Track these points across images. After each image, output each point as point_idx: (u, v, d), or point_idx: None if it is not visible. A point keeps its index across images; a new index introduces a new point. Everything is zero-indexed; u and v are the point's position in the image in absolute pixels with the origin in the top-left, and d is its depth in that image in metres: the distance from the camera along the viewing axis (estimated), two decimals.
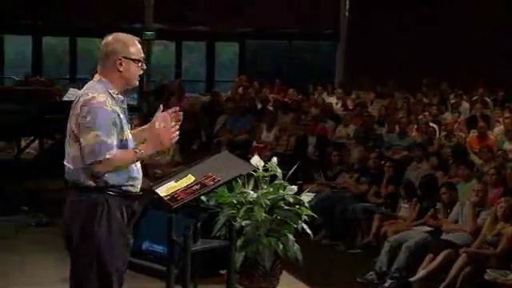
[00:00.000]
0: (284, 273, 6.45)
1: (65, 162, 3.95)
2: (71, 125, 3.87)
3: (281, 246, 6.10)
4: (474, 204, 7.55)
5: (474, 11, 18.81)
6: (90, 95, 3.83)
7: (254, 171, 6.04)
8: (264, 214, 6.04)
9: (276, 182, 6.25)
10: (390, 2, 19.11)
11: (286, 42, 21.68)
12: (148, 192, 4.30)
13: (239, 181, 6.09)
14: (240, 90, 16.78)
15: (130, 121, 4.03)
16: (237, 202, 6.17)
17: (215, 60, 21.70)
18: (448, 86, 16.37)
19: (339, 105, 15.28)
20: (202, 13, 19.53)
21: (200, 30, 20.13)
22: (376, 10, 19.08)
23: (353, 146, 11.08)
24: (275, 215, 6.15)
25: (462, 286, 6.82)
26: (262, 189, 6.19)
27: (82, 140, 3.80)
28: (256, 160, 6.19)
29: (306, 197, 6.27)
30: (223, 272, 6.04)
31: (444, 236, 7.58)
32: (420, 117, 12.50)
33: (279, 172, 6.28)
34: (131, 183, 3.93)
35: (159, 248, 6.65)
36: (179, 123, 3.99)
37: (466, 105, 14.45)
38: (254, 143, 12.29)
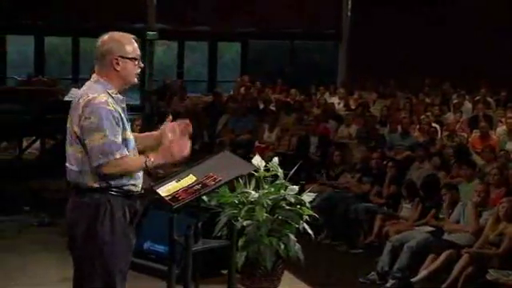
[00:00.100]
0: (285, 273, 6.46)
1: (66, 164, 3.94)
2: (72, 126, 3.85)
3: (282, 246, 6.11)
4: (476, 204, 7.54)
5: (477, 11, 18.79)
6: (91, 96, 3.82)
7: (256, 171, 6.05)
8: (265, 214, 6.05)
9: (277, 181, 6.25)
10: (392, 2, 19.09)
11: (289, 41, 21.66)
12: (150, 192, 4.30)
13: (241, 181, 6.10)
14: (242, 90, 16.78)
15: (130, 120, 4.03)
16: (238, 201, 6.18)
17: (217, 60, 21.68)
18: (450, 86, 16.36)
19: (341, 105, 15.27)
20: (205, 13, 19.53)
21: (202, 30, 20.13)
22: (378, 9, 19.07)
23: (355, 146, 11.08)
24: (276, 215, 6.15)
25: (463, 287, 6.80)
26: (264, 189, 6.20)
27: (87, 142, 3.78)
28: (257, 160, 6.19)
29: (308, 197, 6.28)
30: (224, 272, 6.04)
31: (446, 236, 7.57)
32: (422, 117, 12.49)
33: (280, 172, 6.28)
34: (133, 183, 3.92)
35: (160, 248, 6.65)
36: (189, 136, 4.01)
37: (468, 105, 14.44)
38: (256, 143, 12.29)
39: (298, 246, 6.19)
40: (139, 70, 4.01)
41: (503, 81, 15.94)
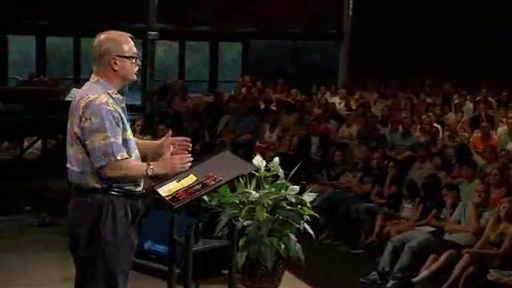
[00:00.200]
0: (286, 273, 6.45)
1: (67, 165, 3.94)
2: (73, 127, 3.85)
3: (283, 246, 6.11)
4: (477, 204, 7.54)
5: (478, 11, 18.79)
6: (92, 97, 3.81)
7: (256, 171, 6.05)
8: (266, 214, 6.05)
9: (278, 182, 6.25)
10: (394, 2, 19.09)
11: (290, 41, 21.67)
12: (151, 191, 4.31)
13: (241, 181, 6.10)
14: (243, 90, 16.78)
15: (130, 120, 4.04)
16: (239, 201, 6.18)
17: (218, 60, 21.69)
18: (451, 87, 16.35)
19: (342, 105, 15.28)
20: (206, 13, 19.54)
21: (203, 30, 20.14)
22: (379, 9, 19.07)
23: (356, 146, 11.07)
24: (277, 215, 6.16)
25: (464, 287, 6.80)
26: (264, 189, 6.20)
27: (88, 143, 3.78)
28: (258, 160, 6.19)
29: (308, 197, 6.28)
30: (225, 272, 6.04)
31: (447, 236, 7.57)
32: (423, 117, 12.48)
33: (281, 172, 6.28)
34: (134, 182, 3.93)
35: (161, 248, 6.65)
36: (188, 151, 4.08)
37: (469, 105, 14.44)
38: (257, 143, 12.29)
39: (298, 246, 6.19)
40: (137, 68, 4.01)
41: (503, 81, 15.95)
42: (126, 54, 3.93)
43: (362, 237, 8.82)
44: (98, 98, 3.81)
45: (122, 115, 3.89)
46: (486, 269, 6.79)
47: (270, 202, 6.12)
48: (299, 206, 6.19)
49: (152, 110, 16.13)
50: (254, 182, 6.24)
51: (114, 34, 3.98)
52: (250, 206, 6.11)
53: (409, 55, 18.42)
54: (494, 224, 7.17)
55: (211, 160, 4.47)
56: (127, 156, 3.83)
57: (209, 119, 14.16)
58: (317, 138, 11.80)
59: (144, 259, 6.58)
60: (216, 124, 13.81)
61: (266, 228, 6.06)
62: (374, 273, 7.61)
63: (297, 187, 6.27)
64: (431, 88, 16.54)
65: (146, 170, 3.85)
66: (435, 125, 12.03)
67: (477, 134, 11.56)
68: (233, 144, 12.22)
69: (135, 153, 3.97)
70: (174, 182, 4.24)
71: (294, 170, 6.53)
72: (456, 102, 14.43)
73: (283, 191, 6.20)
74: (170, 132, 4.17)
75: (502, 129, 11.81)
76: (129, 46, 3.96)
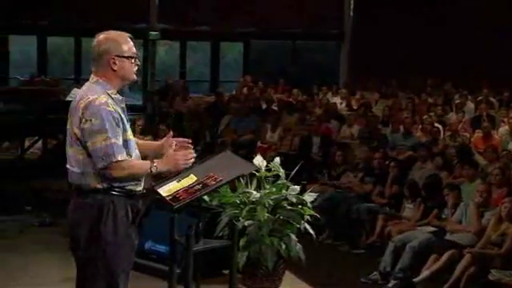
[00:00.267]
0: (287, 273, 6.45)
1: (67, 165, 3.93)
2: (73, 128, 3.84)
3: (283, 246, 6.10)
4: (478, 204, 7.53)
5: (478, 11, 18.78)
6: (91, 97, 3.80)
7: (257, 171, 6.04)
8: (267, 214, 6.05)
9: (279, 181, 6.25)
10: (394, 2, 19.08)
11: (291, 41, 21.66)
12: (151, 191, 4.30)
13: (242, 181, 6.10)
14: (244, 90, 16.77)
15: (130, 120, 4.03)
16: (239, 201, 6.17)
17: (220, 60, 21.68)
18: (452, 87, 16.34)
19: (343, 105, 15.26)
20: (207, 13, 19.53)
21: (204, 30, 20.13)
22: (380, 9, 19.06)
23: (357, 146, 11.07)
24: (278, 215, 6.15)
25: (466, 287, 6.80)
26: (265, 189, 6.19)
27: (90, 145, 3.77)
28: (259, 160, 6.19)
29: (309, 197, 6.27)
30: (226, 272, 6.03)
31: (448, 236, 7.56)
32: (424, 117, 12.47)
33: (282, 172, 6.28)
34: (135, 182, 3.92)
35: (162, 248, 6.65)
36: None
37: (470, 105, 14.43)
38: (259, 143, 12.29)
39: (299, 246, 6.18)
40: (136, 68, 4.00)
41: (503, 81, 15.94)
42: (125, 54, 3.92)
43: (363, 237, 8.82)
44: (98, 98, 3.80)
45: (122, 115, 3.88)
46: (487, 269, 6.78)
47: (270, 202, 6.12)
48: (300, 206, 6.19)
49: (153, 110, 16.13)
50: (254, 182, 6.23)
51: (113, 34, 3.97)
52: (251, 206, 6.11)
53: (409, 55, 18.41)
54: (495, 224, 7.16)
55: (212, 160, 4.46)
56: (126, 157, 3.82)
57: (210, 119, 14.16)
58: (318, 138, 11.79)
59: (145, 259, 6.57)
60: (217, 124, 13.81)
61: (266, 228, 6.05)
62: (375, 273, 7.60)
63: (297, 187, 6.27)
64: (432, 88, 16.53)
65: (150, 168, 3.86)
66: (436, 125, 12.01)
67: (478, 134, 11.55)
68: (234, 144, 12.21)
69: (135, 153, 3.96)
70: (175, 181, 4.23)
71: (294, 170, 6.52)
72: (457, 102, 14.41)
73: (284, 191, 6.19)
74: (171, 133, 4.17)
75: (504, 129, 11.80)
76: (128, 46, 3.94)
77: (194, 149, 4.13)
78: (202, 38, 21.07)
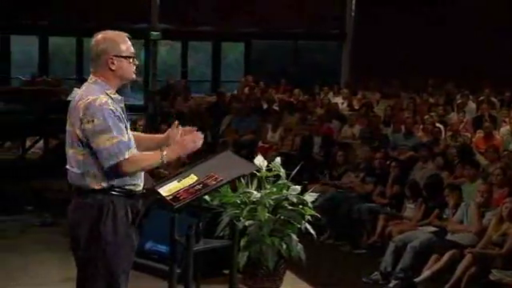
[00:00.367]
0: (287, 273, 6.44)
1: (67, 166, 3.93)
2: (74, 129, 3.83)
3: (284, 246, 6.10)
4: (479, 204, 7.52)
5: (479, 11, 18.78)
6: (91, 98, 3.80)
7: (258, 171, 6.03)
8: (267, 214, 6.04)
9: (279, 181, 6.25)
10: (395, 3, 19.08)
11: (292, 42, 21.66)
12: (152, 191, 4.30)
13: (243, 181, 6.09)
14: (246, 90, 16.78)
15: (129, 120, 4.02)
16: (240, 201, 6.17)
17: (221, 60, 21.69)
18: (454, 87, 16.33)
19: (345, 105, 15.26)
20: (208, 13, 19.54)
21: (206, 30, 20.13)
22: (382, 9, 19.06)
23: (358, 146, 11.06)
24: (278, 215, 6.15)
25: (467, 287, 6.79)
26: (266, 189, 6.19)
27: (94, 145, 3.76)
28: (259, 160, 6.18)
29: (310, 197, 6.27)
30: (226, 272, 6.03)
31: (449, 236, 7.56)
32: (426, 117, 12.46)
33: (283, 172, 6.27)
34: (134, 182, 3.92)
35: (162, 248, 6.65)
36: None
37: (472, 105, 14.42)
38: (260, 143, 12.28)
39: (300, 246, 6.18)
40: (135, 68, 3.99)
41: (504, 81, 15.93)
42: (124, 54, 3.92)
43: (364, 237, 8.81)
44: (98, 98, 3.79)
45: (122, 115, 3.88)
46: (488, 269, 6.78)
47: (271, 202, 6.12)
48: (301, 206, 6.18)
49: (154, 110, 16.11)
50: (255, 182, 6.23)
51: (111, 33, 3.96)
52: (252, 205, 6.10)
53: (410, 55, 18.42)
54: (496, 224, 7.16)
55: (212, 160, 4.46)
56: (134, 152, 3.82)
57: (211, 119, 14.16)
58: (319, 138, 11.79)
59: (145, 259, 6.57)
60: (218, 124, 13.81)
61: (267, 228, 6.05)
62: (376, 273, 7.60)
63: (298, 187, 6.26)
64: (434, 88, 16.52)
65: (161, 158, 3.85)
66: (438, 125, 12.00)
67: (479, 134, 11.54)
68: (235, 144, 12.21)
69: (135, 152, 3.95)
70: (175, 181, 4.23)
71: (295, 170, 6.52)
72: (459, 102, 14.40)
73: (285, 191, 6.19)
74: (177, 122, 4.14)
75: (505, 129, 11.79)
76: (126, 45, 3.94)
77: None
78: (203, 38, 21.07)
